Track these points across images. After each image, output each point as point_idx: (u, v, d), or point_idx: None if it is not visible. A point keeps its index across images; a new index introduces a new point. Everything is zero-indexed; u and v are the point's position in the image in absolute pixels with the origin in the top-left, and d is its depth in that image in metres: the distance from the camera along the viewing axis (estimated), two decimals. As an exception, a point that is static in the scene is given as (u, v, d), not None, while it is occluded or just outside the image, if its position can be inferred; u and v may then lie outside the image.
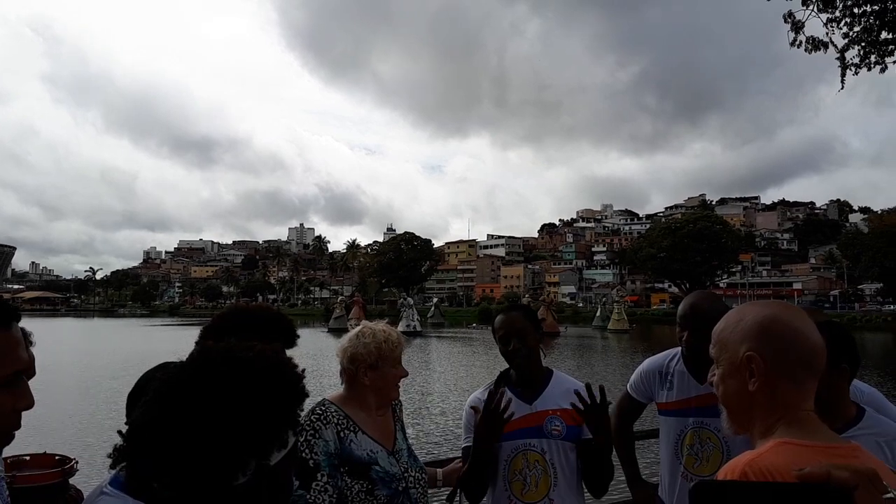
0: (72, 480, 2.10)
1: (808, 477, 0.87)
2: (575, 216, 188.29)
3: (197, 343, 1.58)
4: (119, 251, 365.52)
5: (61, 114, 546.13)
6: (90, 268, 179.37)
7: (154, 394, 0.93)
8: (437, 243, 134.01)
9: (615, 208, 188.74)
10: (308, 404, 2.15)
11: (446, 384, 22.11)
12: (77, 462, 2.14)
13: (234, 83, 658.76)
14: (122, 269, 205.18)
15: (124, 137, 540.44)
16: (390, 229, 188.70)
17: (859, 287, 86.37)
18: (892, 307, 69.30)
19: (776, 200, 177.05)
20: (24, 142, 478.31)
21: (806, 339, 1.22)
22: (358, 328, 2.32)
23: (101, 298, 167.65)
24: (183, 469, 0.87)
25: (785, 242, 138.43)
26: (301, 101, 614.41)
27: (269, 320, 1.81)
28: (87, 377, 21.60)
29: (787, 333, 1.22)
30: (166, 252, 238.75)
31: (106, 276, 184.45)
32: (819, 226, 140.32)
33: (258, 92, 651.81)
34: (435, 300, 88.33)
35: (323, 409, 2.18)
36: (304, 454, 2.05)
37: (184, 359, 1.24)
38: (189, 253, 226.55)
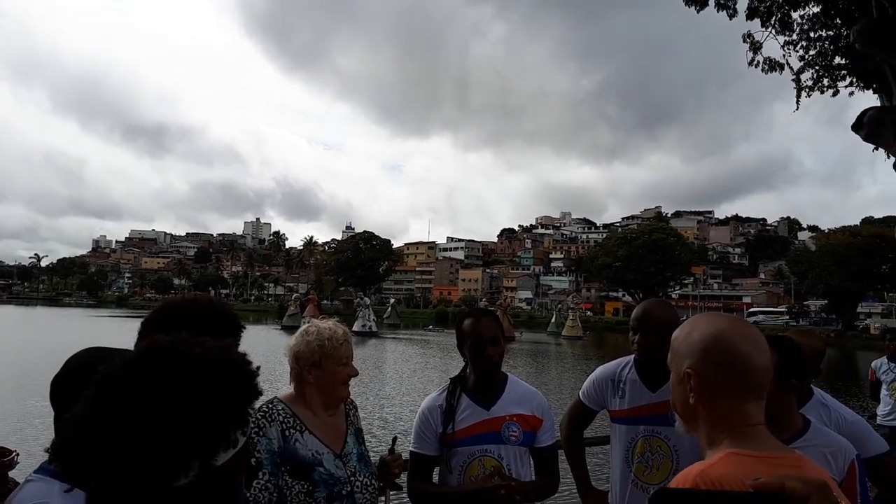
0: (11, 473, 2.02)
1: (763, 487, 0.89)
2: (534, 222, 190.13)
3: (139, 336, 1.51)
4: (65, 238, 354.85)
5: (2, 91, 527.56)
6: (35, 254, 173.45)
7: (95, 388, 0.87)
8: (396, 244, 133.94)
9: (573, 216, 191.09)
10: (259, 404, 2.11)
11: (401, 387, 22.01)
12: (18, 454, 2.06)
13: (188, 68, 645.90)
14: (69, 257, 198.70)
15: (71, 120, 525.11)
16: (349, 228, 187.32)
17: (805, 303, 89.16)
18: (834, 324, 71.76)
19: (729, 215, 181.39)
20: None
21: (747, 361, 1.23)
22: (305, 326, 2.29)
23: (45, 286, 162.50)
24: (121, 468, 0.82)
25: (736, 257, 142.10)
26: (258, 91, 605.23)
27: (212, 312, 1.70)
28: (27, 367, 20.86)
29: (727, 355, 1.23)
30: (116, 241, 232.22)
31: (51, 263, 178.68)
32: (769, 242, 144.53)
33: (213, 79, 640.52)
34: (392, 301, 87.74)
35: (270, 406, 2.14)
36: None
37: (114, 345, 1.19)
38: (140, 243, 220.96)
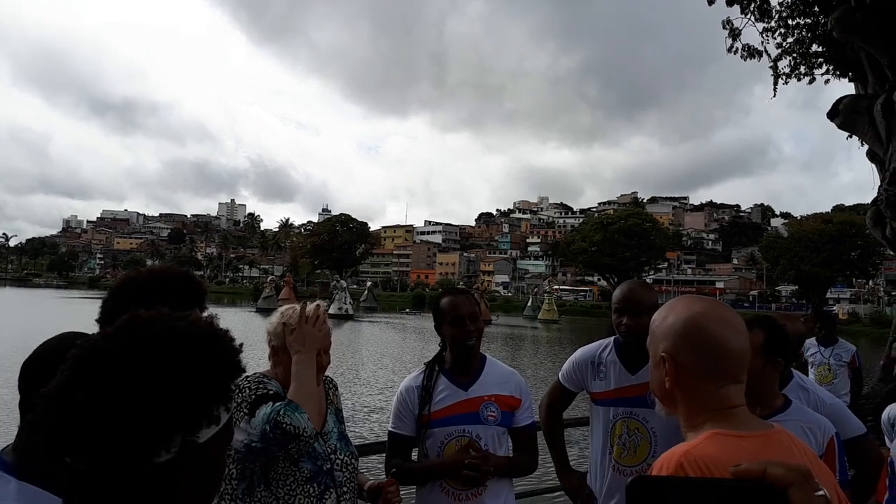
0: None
1: (744, 473, 0.88)
2: (512, 207, 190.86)
3: (102, 308, 1.51)
4: (34, 217, 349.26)
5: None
6: (3, 234, 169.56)
7: (75, 360, 0.85)
8: (373, 226, 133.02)
9: (551, 201, 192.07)
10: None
11: (377, 370, 22.01)
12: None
13: (156, 39, 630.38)
14: (39, 237, 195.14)
15: (34, 93, 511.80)
16: (325, 210, 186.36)
17: (777, 288, 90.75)
18: (804, 308, 73.17)
19: (704, 202, 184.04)
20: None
21: (722, 345, 1.21)
22: (283, 307, 2.25)
23: (14, 266, 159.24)
24: (101, 442, 0.80)
25: (710, 243, 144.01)
26: (230, 65, 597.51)
27: (173, 281, 1.63)
28: (-5, 349, 20.49)
29: (702, 339, 1.22)
30: (88, 221, 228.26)
31: (20, 243, 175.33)
32: (743, 228, 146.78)
33: (182, 51, 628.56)
34: (369, 284, 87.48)
35: (258, 374, 2.14)
36: (260, 390, 2.05)
37: (88, 328, 1.20)
38: (113, 223, 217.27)
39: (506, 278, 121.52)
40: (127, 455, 0.81)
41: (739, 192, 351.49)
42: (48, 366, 1.06)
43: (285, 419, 1.92)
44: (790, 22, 8.94)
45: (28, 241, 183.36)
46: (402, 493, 2.27)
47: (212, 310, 1.31)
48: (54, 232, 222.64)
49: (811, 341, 6.72)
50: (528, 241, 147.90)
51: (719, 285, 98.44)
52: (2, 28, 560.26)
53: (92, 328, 1.31)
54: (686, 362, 1.23)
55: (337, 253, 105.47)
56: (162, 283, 1.61)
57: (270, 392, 2.05)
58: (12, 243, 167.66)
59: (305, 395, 2.02)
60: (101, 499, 0.82)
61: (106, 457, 0.80)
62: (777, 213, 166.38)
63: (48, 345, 1.39)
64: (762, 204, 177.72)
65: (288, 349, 2.14)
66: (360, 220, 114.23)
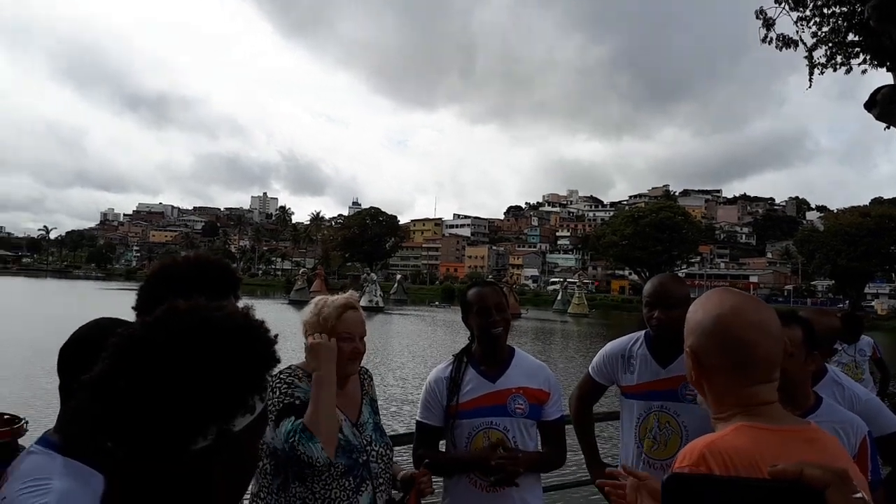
0: (21, 441, 2.04)
1: (781, 474, 0.87)
2: (541, 200, 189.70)
3: (139, 295, 1.53)
4: (72, 210, 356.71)
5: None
6: (44, 226, 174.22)
7: (115, 348, 0.88)
8: (402, 219, 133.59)
9: (581, 194, 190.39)
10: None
11: (406, 361, 22.14)
12: (27, 422, 2.07)
13: (186, 32, 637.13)
14: (78, 230, 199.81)
15: (70, 88, 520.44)
16: (356, 203, 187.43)
17: (812, 283, 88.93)
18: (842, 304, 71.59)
19: (738, 195, 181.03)
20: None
21: (750, 350, 1.19)
22: (317, 298, 2.28)
23: (54, 258, 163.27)
24: (142, 428, 0.82)
25: (744, 236, 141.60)
26: (258, 58, 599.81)
27: (208, 270, 1.64)
28: (37, 337, 21.04)
29: (728, 341, 1.20)
30: (124, 214, 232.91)
31: (60, 235, 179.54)
32: (777, 222, 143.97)
33: (213, 45, 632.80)
34: (398, 277, 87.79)
35: (292, 369, 2.17)
36: (286, 398, 2.07)
37: (126, 317, 1.25)
38: (148, 217, 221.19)
39: (535, 272, 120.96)
40: (166, 442, 0.84)
41: (774, 185, 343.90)
42: (86, 350, 1.07)
43: (300, 447, 1.95)
44: (825, 10, 8.75)
45: (67, 233, 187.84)
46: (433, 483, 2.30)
47: (246, 301, 1.31)
48: (92, 225, 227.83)
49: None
50: (557, 234, 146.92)
51: (753, 280, 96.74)
52: (37, 22, 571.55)
53: (128, 315, 1.37)
54: (710, 363, 1.22)
55: (367, 246, 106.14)
56: (197, 272, 1.60)
57: (296, 403, 2.07)
58: (52, 236, 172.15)
59: (322, 420, 2.01)
60: (139, 483, 0.86)
61: (145, 444, 0.83)
62: (812, 206, 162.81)
63: (85, 330, 1.40)
64: (797, 197, 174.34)
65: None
66: (389, 213, 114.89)
